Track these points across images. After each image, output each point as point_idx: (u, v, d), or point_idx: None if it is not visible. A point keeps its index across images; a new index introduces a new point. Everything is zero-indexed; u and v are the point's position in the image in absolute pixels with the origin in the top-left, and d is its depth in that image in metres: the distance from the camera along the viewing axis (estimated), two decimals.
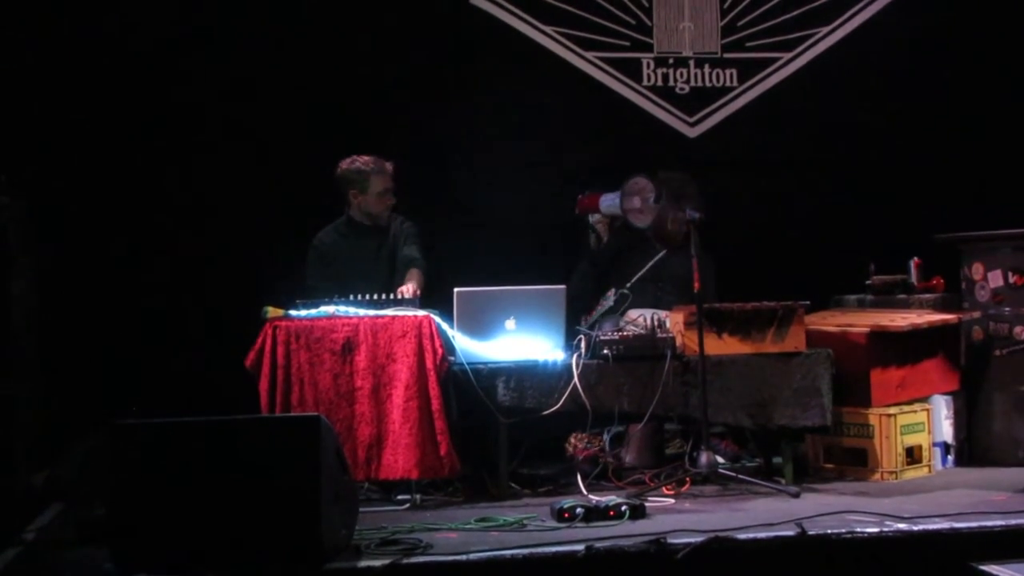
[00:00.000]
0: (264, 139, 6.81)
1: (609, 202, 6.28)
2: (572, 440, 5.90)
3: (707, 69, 7.49)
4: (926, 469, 6.11)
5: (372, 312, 5.64)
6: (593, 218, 6.42)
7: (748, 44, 7.53)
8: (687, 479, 5.74)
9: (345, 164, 6.24)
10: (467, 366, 5.62)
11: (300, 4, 6.95)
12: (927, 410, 6.17)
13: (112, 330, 6.51)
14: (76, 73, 6.63)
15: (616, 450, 6.18)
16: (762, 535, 4.74)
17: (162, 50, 6.74)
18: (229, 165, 6.76)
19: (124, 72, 6.71)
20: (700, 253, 5.82)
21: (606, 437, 6.17)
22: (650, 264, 6.31)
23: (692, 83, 7.49)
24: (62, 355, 6.30)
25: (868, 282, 6.76)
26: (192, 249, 6.65)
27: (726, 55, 7.50)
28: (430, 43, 7.11)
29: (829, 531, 4.77)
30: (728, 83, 7.51)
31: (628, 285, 6.13)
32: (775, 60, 7.54)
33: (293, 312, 5.63)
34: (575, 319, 5.97)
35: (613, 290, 6.06)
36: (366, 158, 6.23)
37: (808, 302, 6.01)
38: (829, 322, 6.29)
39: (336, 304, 5.66)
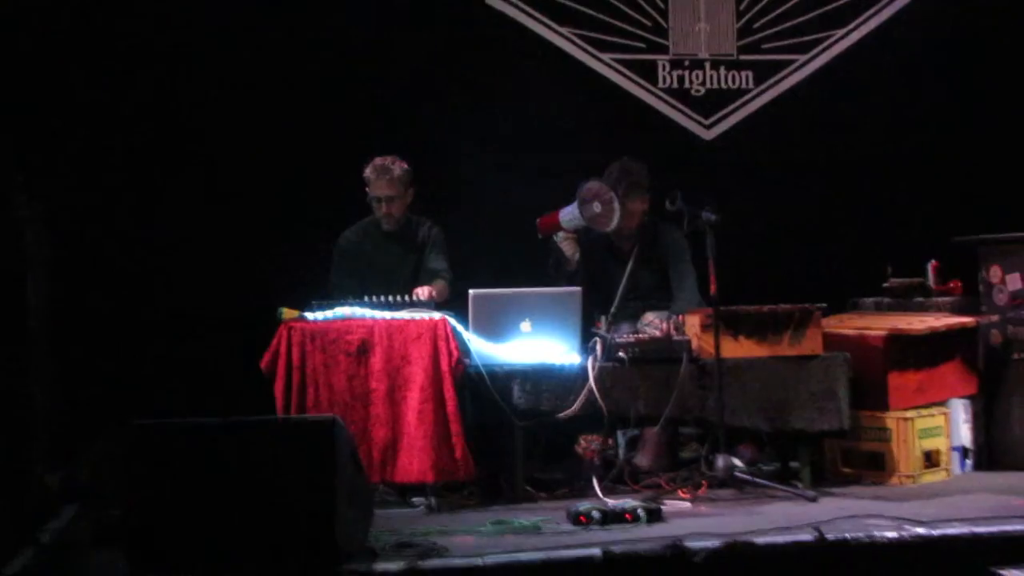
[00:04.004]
0: (280, 139, 6.79)
1: (569, 215, 6.07)
2: (582, 442, 5.84)
3: (723, 71, 7.48)
4: (944, 473, 6.08)
5: (387, 314, 5.62)
6: (558, 237, 6.16)
7: (764, 46, 7.52)
8: (703, 482, 5.72)
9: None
10: (482, 368, 5.59)
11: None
12: (945, 414, 6.13)
13: (128, 331, 6.50)
14: (93, 74, 6.63)
15: (630, 454, 6.14)
16: (780, 539, 4.71)
17: (180, 50, 6.75)
18: (246, 165, 6.74)
19: (140, 74, 6.71)
20: (714, 254, 5.76)
21: (621, 440, 6.16)
22: (623, 281, 6.26)
23: (708, 85, 7.48)
24: (78, 356, 6.28)
25: (885, 285, 6.73)
26: (208, 250, 6.63)
27: (742, 57, 7.49)
28: (444, 42, 7.10)
29: (847, 535, 4.74)
30: (744, 85, 7.49)
31: (613, 311, 6.09)
32: (791, 62, 7.53)
33: (308, 314, 5.62)
34: (590, 322, 5.93)
35: (602, 319, 5.98)
36: (376, 161, 6.19)
37: (825, 305, 5.98)
38: (846, 325, 6.25)
39: (351, 306, 5.64)
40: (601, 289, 6.29)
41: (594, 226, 6.08)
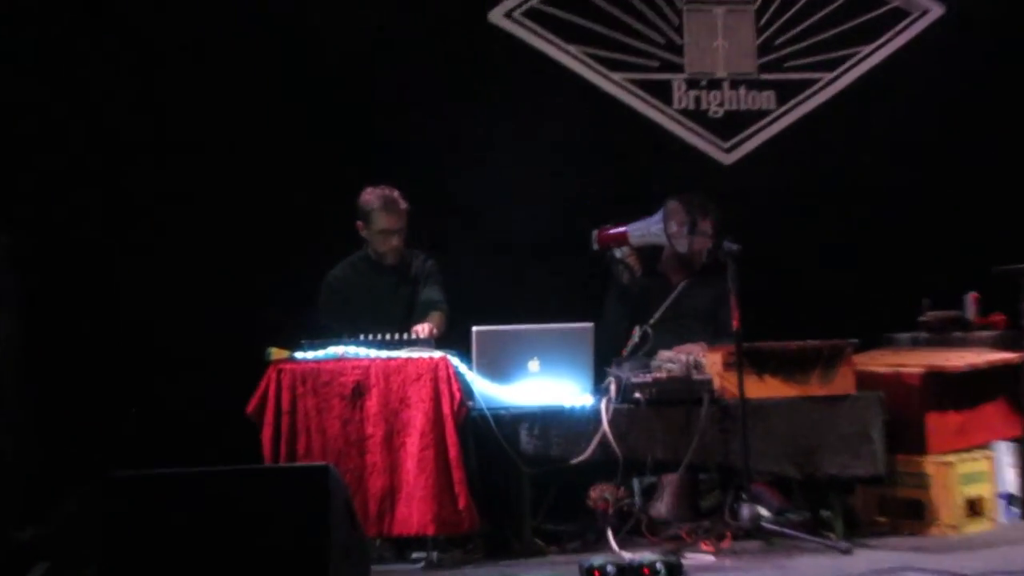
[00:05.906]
0: (268, 167, 6.71)
1: (642, 230, 6.13)
2: (592, 493, 5.69)
3: (743, 91, 7.37)
4: (989, 523, 5.92)
5: (384, 353, 5.52)
6: (621, 252, 6.20)
7: (787, 64, 7.39)
8: (727, 534, 5.55)
9: (362, 194, 6.13)
10: (487, 411, 5.46)
11: (317, 19, 6.85)
12: (989, 458, 5.99)
13: (105, 375, 6.42)
14: (65, 101, 6.56)
15: (647, 503, 5.99)
16: None
17: (163, 74, 6.70)
18: (232, 197, 6.65)
19: (117, 100, 6.65)
20: (736, 286, 5.60)
21: (637, 488, 5.99)
22: (671, 299, 6.24)
23: (727, 106, 7.37)
24: (51, 405, 6.21)
25: (922, 319, 6.53)
26: (190, 289, 6.53)
27: (763, 76, 7.37)
28: (445, 65, 7.01)
29: None
30: (765, 106, 7.38)
31: (652, 322, 6.04)
32: (816, 81, 7.40)
33: (299, 354, 5.51)
34: (606, 360, 5.79)
35: (638, 328, 5.96)
36: (378, 192, 6.10)
37: (856, 341, 5.84)
38: (880, 362, 6.13)
39: (345, 344, 5.54)
40: (645, 305, 6.23)
41: (673, 244, 6.14)
